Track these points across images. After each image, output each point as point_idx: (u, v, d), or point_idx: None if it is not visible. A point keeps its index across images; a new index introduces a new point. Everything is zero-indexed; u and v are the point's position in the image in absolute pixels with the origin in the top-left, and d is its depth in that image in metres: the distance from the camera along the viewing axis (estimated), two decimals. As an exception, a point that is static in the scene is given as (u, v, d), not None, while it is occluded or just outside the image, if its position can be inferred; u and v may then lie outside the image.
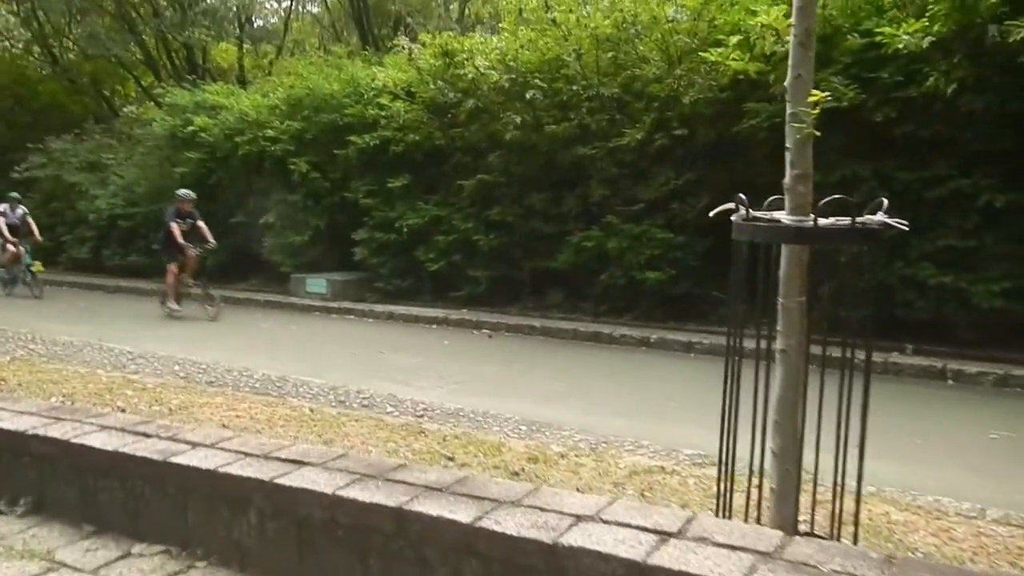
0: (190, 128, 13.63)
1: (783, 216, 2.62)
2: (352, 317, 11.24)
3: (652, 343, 8.71)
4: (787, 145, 2.62)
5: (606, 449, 4.89)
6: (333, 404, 6.02)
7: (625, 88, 9.45)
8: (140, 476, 2.75)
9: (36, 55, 22.12)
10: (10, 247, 12.95)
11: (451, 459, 4.55)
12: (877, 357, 2.19)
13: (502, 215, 10.53)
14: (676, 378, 7.46)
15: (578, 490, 3.95)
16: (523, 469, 4.31)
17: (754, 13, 7.67)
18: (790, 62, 2.57)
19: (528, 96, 9.59)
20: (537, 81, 9.64)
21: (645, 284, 9.22)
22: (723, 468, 2.88)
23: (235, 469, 2.54)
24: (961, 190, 7.22)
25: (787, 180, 2.63)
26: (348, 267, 12.49)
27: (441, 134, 11.01)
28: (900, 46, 6.65)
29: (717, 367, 7.92)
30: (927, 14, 6.66)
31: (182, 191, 11.23)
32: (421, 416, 5.72)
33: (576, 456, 4.63)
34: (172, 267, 10.76)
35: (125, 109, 19.85)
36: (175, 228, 10.65)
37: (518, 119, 9.65)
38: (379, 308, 11.27)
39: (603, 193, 9.63)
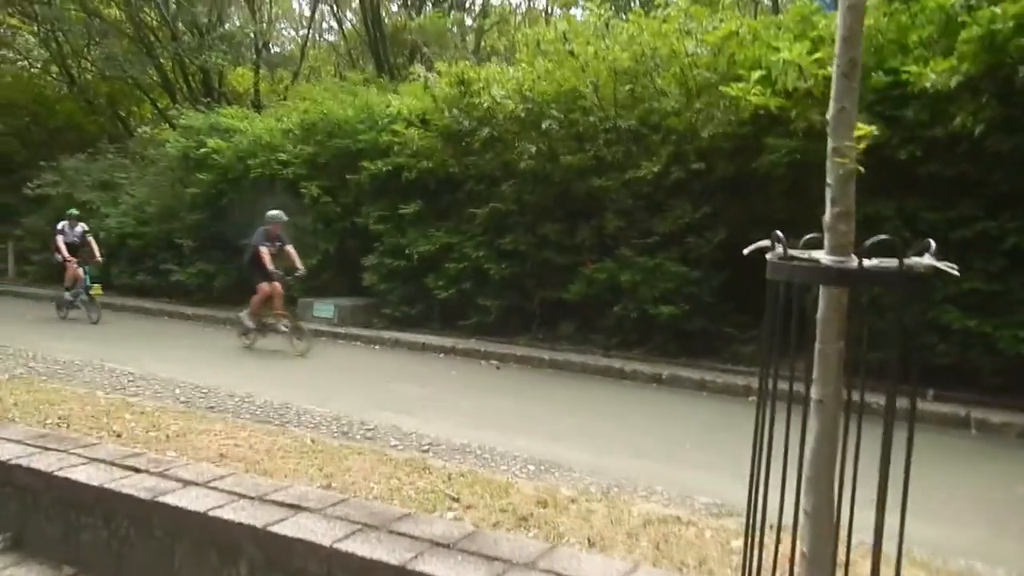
0: (203, 149, 13.61)
1: (823, 256, 2.44)
2: (359, 343, 11.08)
3: (664, 380, 8.50)
4: (828, 182, 2.45)
5: (618, 494, 4.68)
6: (335, 435, 5.83)
7: (642, 121, 9.34)
8: (126, 515, 2.57)
9: (54, 75, 22.34)
10: (70, 266, 12.17)
11: (456, 500, 4.34)
12: (897, 403, 2.06)
13: (514, 244, 10.38)
14: (688, 418, 7.24)
15: (589, 540, 3.74)
16: (532, 514, 4.09)
17: (776, 49, 7.58)
18: (832, 94, 2.41)
19: (544, 126, 9.49)
20: (553, 111, 9.54)
21: (659, 318, 9.03)
22: (751, 529, 2.67)
23: (227, 513, 2.35)
24: (987, 232, 7.03)
25: (827, 218, 2.45)
26: (356, 293, 12.36)
27: (455, 162, 10.91)
28: (927, 85, 6.51)
29: (730, 407, 7.70)
30: (955, 53, 6.52)
31: (273, 212, 10.15)
32: (426, 451, 5.53)
33: (587, 501, 4.42)
34: (264, 286, 9.95)
35: (140, 130, 19.91)
36: (264, 252, 9.82)
37: (533, 148, 9.54)
38: (386, 335, 11.10)
39: (618, 225, 9.47)
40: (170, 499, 2.47)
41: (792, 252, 2.49)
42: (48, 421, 5.48)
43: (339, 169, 12.21)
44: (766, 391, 2.65)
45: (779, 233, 2.57)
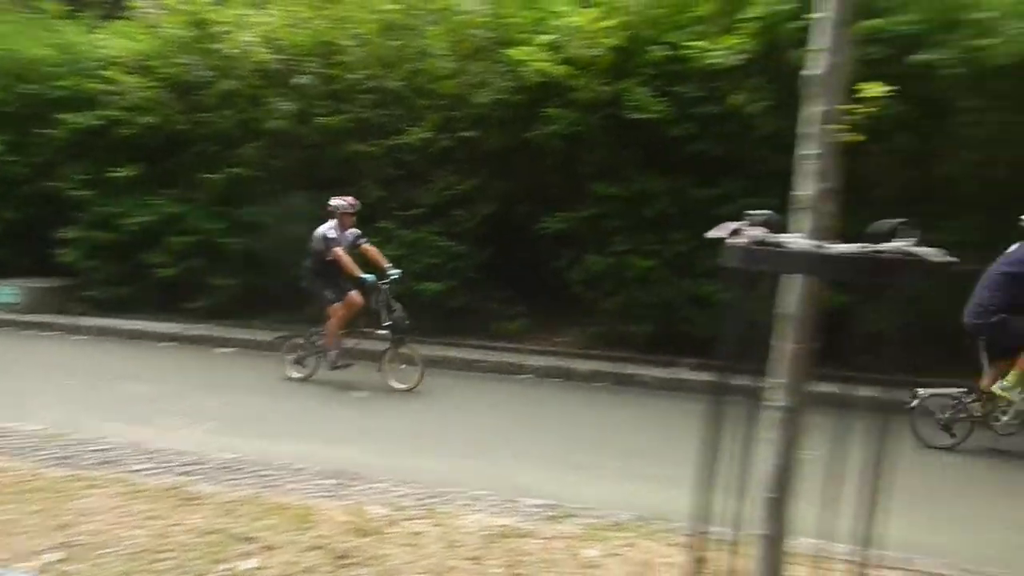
0: None
1: (797, 240, 2.01)
2: (52, 333, 9.14)
3: (437, 361, 7.92)
4: (809, 152, 2.01)
5: (438, 506, 4.05)
6: (57, 462, 4.48)
7: (409, 82, 8.59)
8: None
9: None
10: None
11: (250, 540, 3.43)
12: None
13: (256, 215, 9.12)
14: (470, 403, 6.77)
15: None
16: (354, 548, 3.34)
17: (559, 15, 7.30)
18: (821, 46, 1.97)
19: (301, 81, 8.33)
20: (312, 65, 8.42)
21: (424, 295, 8.40)
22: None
23: None
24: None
25: (806, 196, 2.03)
26: (46, 272, 10.15)
27: (184, 118, 9.27)
28: (720, 60, 6.61)
29: (498, 386, 7.19)
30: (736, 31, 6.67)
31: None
32: (187, 473, 4.42)
33: (407, 520, 3.74)
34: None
35: None
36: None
37: (287, 107, 8.34)
38: (88, 322, 9.29)
39: (379, 195, 8.68)
40: None
41: (768, 237, 2.04)
42: None
43: (27, 120, 9.87)
44: (721, 397, 2.17)
45: (764, 212, 2.11)
